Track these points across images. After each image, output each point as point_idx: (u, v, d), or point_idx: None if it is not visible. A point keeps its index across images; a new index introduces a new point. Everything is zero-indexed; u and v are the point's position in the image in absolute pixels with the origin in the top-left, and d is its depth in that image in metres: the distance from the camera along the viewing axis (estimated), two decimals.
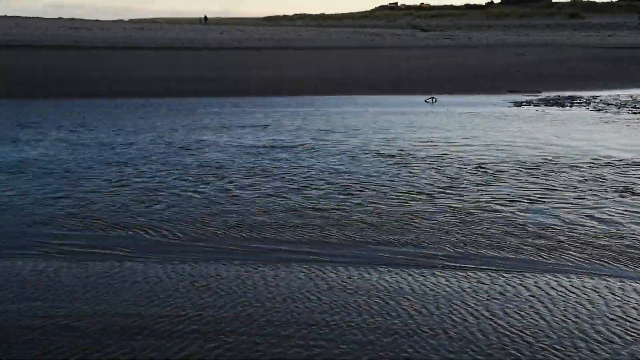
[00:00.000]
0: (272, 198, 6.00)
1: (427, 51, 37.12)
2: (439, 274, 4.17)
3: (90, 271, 4.21)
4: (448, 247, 4.68)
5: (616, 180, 6.73)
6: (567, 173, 7.10)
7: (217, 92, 16.05)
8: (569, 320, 3.48)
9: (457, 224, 5.22)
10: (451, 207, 5.73)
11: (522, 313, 3.58)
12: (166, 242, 4.78)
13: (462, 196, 6.10)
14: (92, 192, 6.17)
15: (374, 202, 5.87)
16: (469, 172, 7.13)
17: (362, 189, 6.38)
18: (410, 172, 7.11)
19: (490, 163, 7.64)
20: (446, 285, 3.99)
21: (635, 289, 3.93)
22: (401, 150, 8.47)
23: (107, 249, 4.63)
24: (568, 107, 13.79)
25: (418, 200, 5.94)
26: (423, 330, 3.34)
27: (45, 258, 4.44)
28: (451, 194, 6.20)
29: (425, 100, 14.61)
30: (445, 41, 48.54)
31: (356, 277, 4.10)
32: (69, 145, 8.68)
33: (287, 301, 3.72)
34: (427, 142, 9.14)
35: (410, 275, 4.14)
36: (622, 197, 6.09)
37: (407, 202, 5.88)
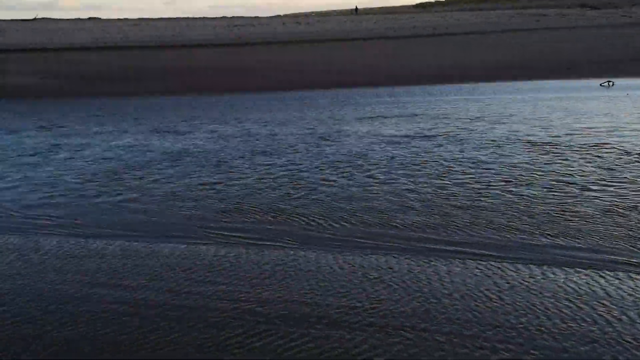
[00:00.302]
0: (412, 191, 5.83)
1: (599, 31, 34.12)
2: (636, 277, 3.74)
3: (267, 259, 4.36)
4: (630, 249, 4.19)
5: None
6: None
7: (370, 82, 16.06)
8: None
9: (625, 223, 4.67)
10: (611, 202, 5.17)
11: None
12: (324, 236, 4.79)
13: (622, 190, 5.50)
14: (243, 182, 6.43)
15: (522, 196, 5.48)
16: (629, 163, 6.41)
17: (507, 180, 6.00)
18: (561, 162, 6.56)
19: None
20: None
21: None
22: (556, 138, 7.84)
23: (271, 240, 4.74)
24: None
25: (572, 195, 5.45)
26: (626, 339, 3.00)
27: (223, 245, 4.68)
28: (608, 187, 5.61)
29: (600, 84, 13.41)
30: (621, 19, 44.27)
31: (539, 277, 3.81)
32: (222, 136, 9.18)
33: (465, 299, 3.55)
34: (588, 129, 8.36)
35: (602, 277, 3.76)
36: None
37: (559, 197, 5.41)
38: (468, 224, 4.84)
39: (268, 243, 4.67)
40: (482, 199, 5.49)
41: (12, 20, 46.82)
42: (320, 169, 6.86)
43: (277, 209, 5.48)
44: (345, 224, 5.01)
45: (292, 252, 4.47)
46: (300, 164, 7.15)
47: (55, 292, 3.89)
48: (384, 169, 6.72)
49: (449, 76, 16.70)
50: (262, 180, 6.49)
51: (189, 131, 9.76)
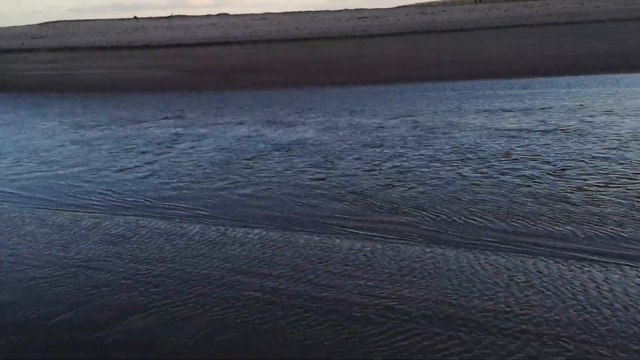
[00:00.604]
0: (531, 186, 5.54)
1: None
2: None
3: (403, 255, 4.25)
4: None
5: None
6: None
7: (499, 73, 15.32)
8: None
9: None
10: None
11: None
12: (451, 234, 4.59)
13: None
14: (351, 175, 6.37)
15: None
16: None
17: (630, 178, 5.50)
18: None
19: None
20: None
21: None
22: None
23: (399, 236, 4.63)
24: None
25: None
26: None
27: (359, 239, 4.63)
28: None
29: None
30: None
31: None
32: (329, 128, 9.21)
33: (628, 310, 3.24)
34: None
35: None
36: None
37: None
38: (606, 229, 4.44)
39: (395, 240, 4.57)
40: (597, 194, 5.12)
41: (150, 18, 50.26)
42: (430, 161, 6.74)
43: (395, 203, 5.38)
44: (473, 222, 4.79)
45: (428, 249, 4.34)
46: (408, 156, 7.06)
47: (202, 276, 4.05)
48: (496, 161, 6.50)
49: (587, 67, 15.58)
50: (366, 172, 6.46)
51: (300, 123, 9.91)
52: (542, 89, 12.35)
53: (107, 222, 5.36)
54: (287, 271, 4.08)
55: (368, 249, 4.41)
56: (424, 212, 5.08)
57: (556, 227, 4.54)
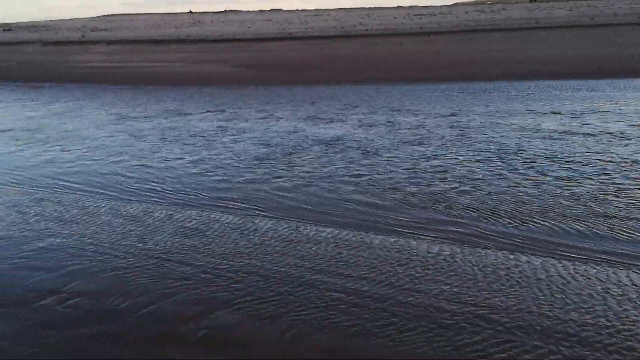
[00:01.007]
0: (571, 185, 5.47)
1: None
2: None
3: (485, 261, 4.12)
4: None
5: None
6: None
7: (561, 74, 14.81)
8: None
9: None
10: None
11: None
12: (517, 239, 4.43)
13: None
14: (392, 171, 6.32)
15: None
16: None
17: None
18: None
19: None
20: None
21: None
22: None
23: (463, 239, 4.51)
24: None
25: None
26: None
27: (437, 242, 4.51)
28: None
29: None
30: None
31: None
32: (368, 125, 9.17)
33: None
34: None
35: None
36: None
37: None
38: None
39: (472, 244, 4.43)
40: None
41: (205, 12, 51.04)
42: (472, 161, 6.69)
43: (439, 200, 5.37)
44: (548, 228, 4.60)
45: (512, 256, 4.19)
46: (449, 154, 7.05)
47: (281, 274, 4.01)
48: (543, 163, 6.44)
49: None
50: (405, 169, 6.43)
51: (339, 119, 9.84)
52: (610, 91, 11.89)
53: (179, 215, 5.39)
54: (367, 272, 4.00)
55: (447, 252, 4.30)
56: (496, 217, 4.94)
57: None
